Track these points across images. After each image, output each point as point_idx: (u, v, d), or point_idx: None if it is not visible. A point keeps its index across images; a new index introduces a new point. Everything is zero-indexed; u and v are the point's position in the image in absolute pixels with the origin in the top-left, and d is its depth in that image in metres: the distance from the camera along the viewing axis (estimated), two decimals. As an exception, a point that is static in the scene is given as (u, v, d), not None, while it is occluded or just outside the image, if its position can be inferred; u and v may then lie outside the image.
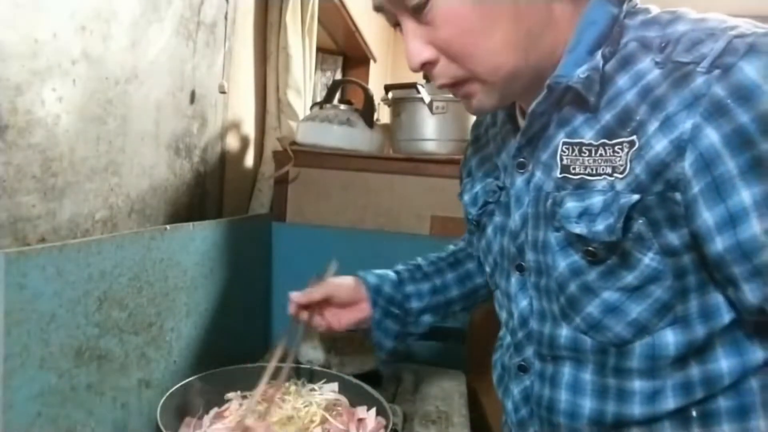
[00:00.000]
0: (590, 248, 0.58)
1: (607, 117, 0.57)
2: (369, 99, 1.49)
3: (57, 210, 0.76)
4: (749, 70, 0.48)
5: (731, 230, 0.51)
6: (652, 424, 0.60)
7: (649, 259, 0.56)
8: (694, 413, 0.59)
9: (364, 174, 1.45)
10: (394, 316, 0.87)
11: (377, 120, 1.56)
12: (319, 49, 2.29)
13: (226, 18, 1.20)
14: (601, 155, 0.57)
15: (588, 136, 0.58)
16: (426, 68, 0.61)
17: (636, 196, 0.54)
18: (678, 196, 0.53)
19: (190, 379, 0.91)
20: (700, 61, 0.51)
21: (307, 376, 1.00)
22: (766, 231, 0.49)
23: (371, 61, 3.02)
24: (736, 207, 0.50)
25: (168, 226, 0.91)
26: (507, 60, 0.58)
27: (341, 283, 0.88)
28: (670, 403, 0.59)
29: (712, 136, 0.50)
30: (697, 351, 0.58)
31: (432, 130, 1.44)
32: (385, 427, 0.84)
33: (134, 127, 0.92)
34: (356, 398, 0.94)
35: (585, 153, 0.58)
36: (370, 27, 2.75)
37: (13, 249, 0.61)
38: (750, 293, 0.52)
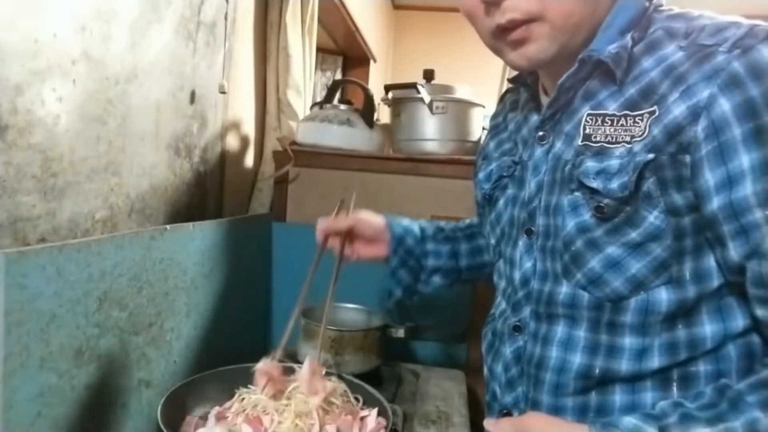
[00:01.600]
0: (600, 204, 0.62)
1: (631, 91, 0.62)
2: (369, 99, 1.49)
3: (57, 210, 0.76)
4: (766, 52, 0.54)
5: (727, 191, 0.55)
6: (636, 381, 0.64)
7: (653, 217, 0.60)
8: (675, 375, 0.63)
9: (364, 174, 1.45)
10: (410, 268, 0.92)
11: (377, 120, 1.56)
12: (319, 49, 2.29)
13: (226, 18, 1.20)
14: (622, 125, 0.62)
15: (612, 107, 0.63)
16: (498, 2, 0.61)
17: (651, 155, 0.59)
18: (687, 158, 0.57)
19: (190, 379, 0.90)
20: (722, 43, 0.56)
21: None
22: (756, 193, 0.54)
23: (371, 61, 3.03)
24: (735, 170, 0.55)
25: (168, 226, 0.91)
26: (580, 8, 0.61)
27: (369, 220, 0.92)
28: (655, 361, 0.63)
29: (724, 105, 0.55)
30: (685, 313, 0.62)
31: (432, 130, 1.44)
32: (385, 427, 0.84)
33: (134, 127, 0.92)
34: (356, 398, 0.94)
35: (607, 123, 0.63)
36: (370, 27, 2.75)
37: (13, 249, 0.61)
38: (733, 250, 0.57)
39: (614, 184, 0.61)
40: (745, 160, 0.54)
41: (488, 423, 0.66)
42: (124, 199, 0.91)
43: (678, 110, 0.57)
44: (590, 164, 0.63)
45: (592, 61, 0.63)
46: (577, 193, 0.65)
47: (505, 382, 0.75)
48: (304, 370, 0.83)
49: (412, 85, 1.42)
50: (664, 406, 0.58)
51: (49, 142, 0.73)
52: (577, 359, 0.67)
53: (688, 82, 0.57)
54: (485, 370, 0.81)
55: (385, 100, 1.55)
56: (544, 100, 0.72)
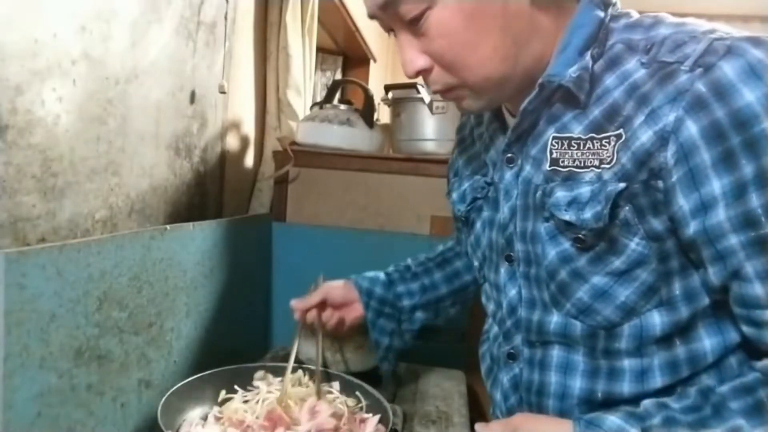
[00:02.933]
0: (579, 236, 0.62)
1: (595, 113, 0.60)
2: (369, 99, 1.49)
3: (57, 210, 0.76)
4: (727, 70, 0.52)
5: (702, 217, 0.55)
6: (641, 401, 0.62)
7: (635, 244, 0.59)
8: (680, 390, 0.61)
9: (364, 174, 1.45)
10: (388, 315, 0.94)
11: (377, 120, 1.56)
12: (319, 49, 2.29)
13: (226, 18, 1.20)
14: (589, 148, 0.60)
15: (577, 130, 0.62)
16: (421, 75, 0.64)
17: (622, 185, 0.58)
18: (660, 184, 0.56)
19: (190, 379, 0.90)
20: (683, 61, 0.54)
21: (308, 375, 1.00)
22: (729, 219, 0.53)
23: (371, 61, 3.02)
24: (707, 196, 0.54)
25: (168, 226, 0.91)
26: (496, 69, 0.61)
27: (334, 285, 0.96)
28: (657, 381, 0.62)
29: (691, 128, 0.53)
30: (681, 331, 0.61)
31: (432, 130, 1.44)
32: (386, 427, 0.84)
33: (134, 127, 0.92)
34: (356, 398, 0.94)
35: (574, 146, 0.62)
36: (370, 27, 2.75)
37: (13, 249, 0.61)
38: (713, 275, 0.57)
39: (587, 215, 0.59)
40: (716, 185, 0.53)
41: (479, 426, 0.66)
42: (124, 199, 0.91)
43: (645, 136, 0.56)
44: (560, 194, 0.62)
45: (552, 87, 0.61)
46: (552, 222, 0.64)
47: (506, 411, 0.74)
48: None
49: (412, 85, 1.42)
50: (648, 405, 0.58)
51: (49, 142, 0.73)
52: (577, 383, 0.66)
53: (653, 105, 0.56)
54: (487, 391, 0.80)
55: (385, 100, 1.54)
56: (510, 121, 0.71)
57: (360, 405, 0.92)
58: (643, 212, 0.58)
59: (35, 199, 0.71)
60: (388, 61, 3.49)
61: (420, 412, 1.05)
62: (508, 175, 0.69)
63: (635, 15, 0.63)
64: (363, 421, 0.87)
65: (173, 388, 0.86)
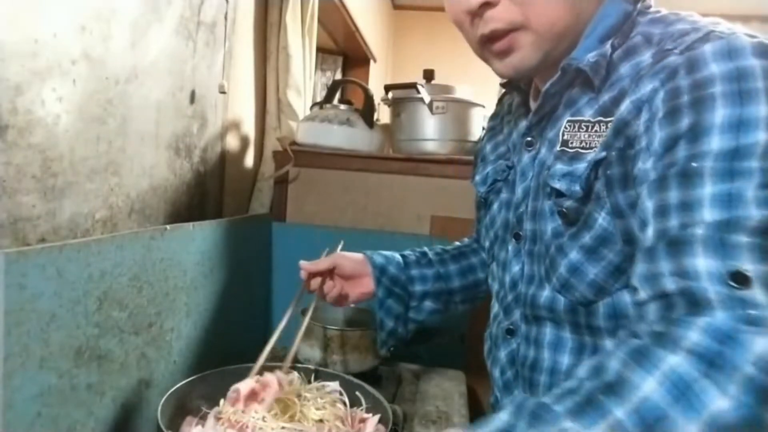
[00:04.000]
0: (562, 209, 0.63)
1: (605, 97, 0.62)
2: (369, 99, 1.49)
3: (57, 210, 0.76)
4: (707, 49, 0.54)
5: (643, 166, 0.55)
6: None
7: (601, 219, 0.61)
8: None
9: (364, 174, 1.45)
10: (397, 296, 0.92)
11: (377, 120, 1.56)
12: (319, 49, 2.29)
13: (226, 18, 1.20)
14: (595, 131, 0.62)
15: (588, 114, 0.63)
16: (483, 9, 0.61)
17: (603, 153, 0.60)
18: (631, 152, 0.58)
19: (190, 379, 0.90)
20: (679, 47, 0.57)
21: (306, 375, 1.00)
22: (655, 167, 0.53)
23: (371, 61, 3.02)
24: (653, 150, 0.54)
25: (168, 226, 0.91)
26: (564, 15, 0.61)
27: (347, 256, 0.93)
28: None
29: (660, 95, 0.55)
30: None
31: (432, 130, 1.44)
32: (386, 427, 0.84)
33: (134, 127, 0.92)
34: (356, 398, 0.94)
35: (583, 129, 0.63)
36: (370, 27, 2.76)
37: (13, 249, 0.61)
38: (639, 230, 0.55)
39: (576, 186, 0.61)
40: (656, 138, 0.54)
41: None
42: (124, 199, 0.91)
43: (624, 107, 0.58)
44: (558, 167, 0.64)
45: (572, 69, 0.63)
46: (552, 199, 0.66)
47: (502, 385, 0.76)
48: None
49: (412, 85, 1.42)
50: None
51: (49, 142, 0.73)
52: (566, 360, 0.67)
53: (642, 82, 0.58)
54: (488, 371, 0.82)
55: (385, 100, 1.55)
56: (533, 106, 0.73)
57: (361, 408, 0.92)
58: (612, 185, 0.59)
59: (35, 199, 0.71)
60: (388, 61, 3.49)
61: (420, 412, 1.05)
62: (526, 157, 0.72)
63: (663, 11, 0.65)
64: (363, 421, 0.87)
65: (173, 388, 0.86)
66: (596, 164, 0.60)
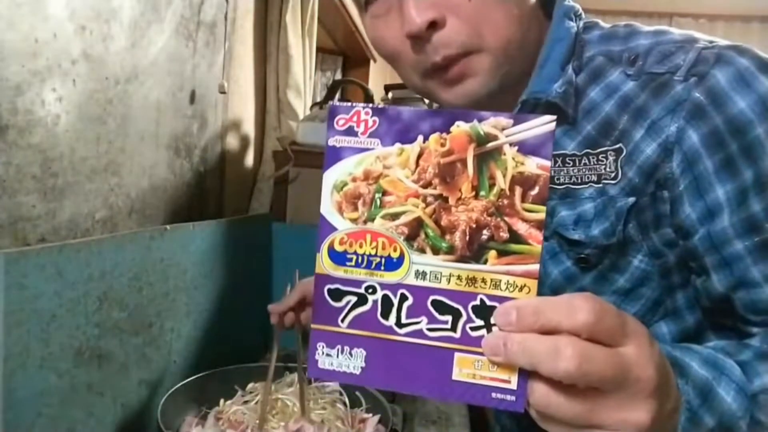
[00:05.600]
0: (583, 255, 0.60)
1: (587, 128, 0.59)
2: (369, 99, 1.49)
3: (57, 210, 0.76)
4: (721, 78, 0.53)
5: (708, 224, 0.55)
6: None
7: (638, 261, 0.59)
8: None
9: (364, 174, 1.45)
10: None
11: (377, 120, 1.55)
12: (319, 49, 2.28)
13: (226, 18, 1.20)
14: (585, 164, 0.59)
15: (570, 147, 0.60)
16: (429, 31, 0.53)
17: (632, 199, 0.57)
18: (666, 194, 0.56)
19: (190, 379, 0.90)
20: (675, 71, 0.55)
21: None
22: (733, 225, 0.53)
23: (371, 61, 3.02)
24: (712, 202, 0.54)
25: (168, 226, 0.91)
26: (516, 34, 0.56)
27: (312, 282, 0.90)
28: None
29: (693, 136, 0.54)
30: (690, 337, 0.61)
31: (432, 130, 1.43)
32: (386, 427, 0.84)
33: (134, 127, 0.92)
34: (356, 398, 0.94)
35: (569, 163, 0.60)
36: (370, 27, 2.75)
37: (13, 249, 0.61)
38: (717, 282, 0.56)
39: (595, 231, 0.59)
40: (720, 192, 0.53)
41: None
42: (124, 199, 0.91)
43: (649, 149, 0.56)
44: (564, 213, 0.61)
45: (541, 104, 0.59)
46: (553, 240, 0.62)
47: (515, 421, 0.75)
48: None
49: (412, 85, 1.42)
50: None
51: (49, 142, 0.73)
52: None
53: (651, 117, 0.56)
54: (493, 413, 0.81)
55: (385, 100, 1.55)
56: None
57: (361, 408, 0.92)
58: (647, 228, 0.58)
59: (35, 199, 0.71)
60: (388, 61, 3.48)
61: (420, 412, 1.05)
62: None
63: (604, 25, 0.63)
64: (363, 421, 0.87)
65: (173, 388, 0.86)
66: (629, 211, 0.58)
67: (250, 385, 0.93)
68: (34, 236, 0.72)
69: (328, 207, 0.41)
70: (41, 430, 0.65)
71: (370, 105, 0.40)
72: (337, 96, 1.60)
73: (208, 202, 1.23)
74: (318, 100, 1.59)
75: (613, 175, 0.58)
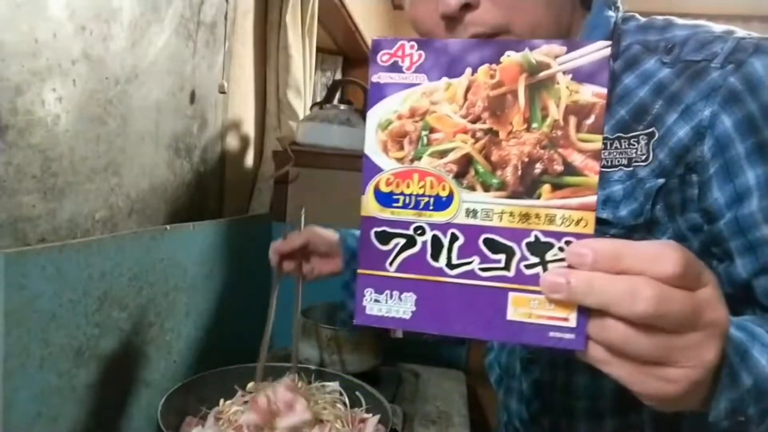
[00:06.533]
0: (609, 234, 0.60)
1: (621, 112, 0.60)
2: (369, 99, 1.49)
3: (57, 210, 0.76)
4: (758, 65, 0.54)
5: (735, 207, 0.54)
6: None
7: None
8: None
9: (364, 174, 1.45)
10: None
11: (377, 120, 1.55)
12: (319, 49, 2.28)
13: (226, 18, 1.20)
14: (616, 148, 0.60)
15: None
16: (463, 12, 0.55)
17: (661, 180, 0.58)
18: (695, 177, 0.57)
19: (190, 379, 0.90)
20: (712, 59, 0.56)
21: (307, 375, 1.00)
22: (762, 209, 0.53)
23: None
24: (741, 186, 0.54)
25: (168, 226, 0.91)
26: (545, 20, 0.57)
27: (320, 234, 0.89)
28: None
29: (726, 121, 0.55)
30: None
31: (432, 130, 1.43)
32: (386, 427, 0.84)
33: (134, 127, 0.92)
34: (356, 398, 0.94)
35: None
36: (370, 27, 2.75)
37: (13, 249, 0.61)
38: (741, 267, 0.55)
39: (623, 212, 0.59)
40: (750, 176, 0.54)
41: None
42: (124, 199, 0.91)
43: (682, 131, 0.57)
44: None
45: None
46: None
47: (528, 418, 0.73)
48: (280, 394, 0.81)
49: (412, 85, 1.42)
50: None
51: (49, 142, 0.73)
52: (609, 383, 0.62)
53: (686, 102, 0.57)
54: (499, 400, 0.80)
55: (385, 100, 1.54)
56: None
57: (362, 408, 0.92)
58: (673, 211, 0.58)
59: (35, 199, 0.71)
60: (388, 61, 3.48)
61: (420, 412, 1.05)
62: None
63: (640, 18, 0.64)
64: (363, 421, 0.87)
65: (173, 388, 0.86)
66: (657, 192, 0.58)
67: (250, 385, 0.93)
68: (34, 236, 0.72)
69: (373, 146, 0.40)
70: (41, 430, 0.65)
71: (415, 38, 0.39)
72: (337, 96, 1.60)
73: (208, 202, 1.23)
74: (318, 100, 1.58)
75: (644, 157, 0.59)
